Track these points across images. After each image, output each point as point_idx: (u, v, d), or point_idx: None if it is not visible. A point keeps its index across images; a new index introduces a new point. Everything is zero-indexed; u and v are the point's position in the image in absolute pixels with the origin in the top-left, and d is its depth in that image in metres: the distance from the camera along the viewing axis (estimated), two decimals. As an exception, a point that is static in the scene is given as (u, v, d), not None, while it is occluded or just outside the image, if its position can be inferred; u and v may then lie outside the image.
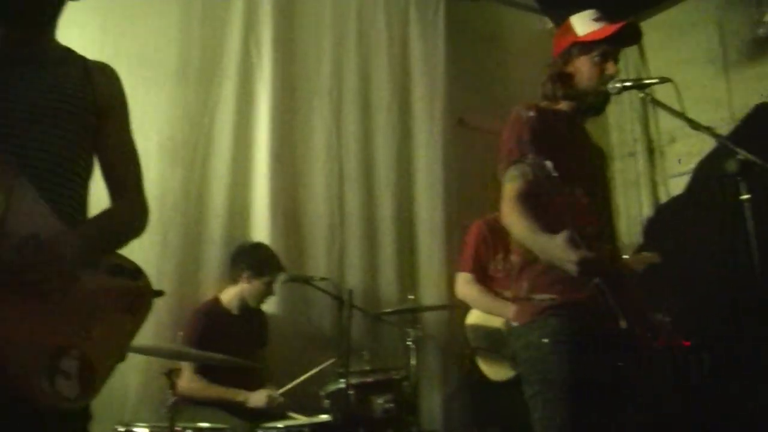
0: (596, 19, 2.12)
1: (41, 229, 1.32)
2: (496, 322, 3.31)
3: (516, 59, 4.75)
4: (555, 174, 1.73)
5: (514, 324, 2.06)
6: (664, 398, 3.50)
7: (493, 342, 3.33)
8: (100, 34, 3.45)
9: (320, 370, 3.27)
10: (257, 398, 3.09)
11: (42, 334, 1.30)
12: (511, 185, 1.94)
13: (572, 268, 1.69)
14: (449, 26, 4.56)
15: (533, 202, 1.89)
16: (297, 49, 4.08)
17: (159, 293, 1.57)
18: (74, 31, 3.01)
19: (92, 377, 1.34)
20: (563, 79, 2.12)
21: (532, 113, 2.00)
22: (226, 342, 3.07)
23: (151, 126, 3.45)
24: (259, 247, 3.48)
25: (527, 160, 1.84)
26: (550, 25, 4.89)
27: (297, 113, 3.98)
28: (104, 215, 1.56)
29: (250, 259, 3.37)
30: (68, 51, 1.59)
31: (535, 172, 1.80)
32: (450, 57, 4.49)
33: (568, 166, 1.87)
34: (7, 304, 1.27)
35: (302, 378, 3.24)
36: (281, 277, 3.40)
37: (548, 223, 1.80)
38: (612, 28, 2.06)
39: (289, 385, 3.21)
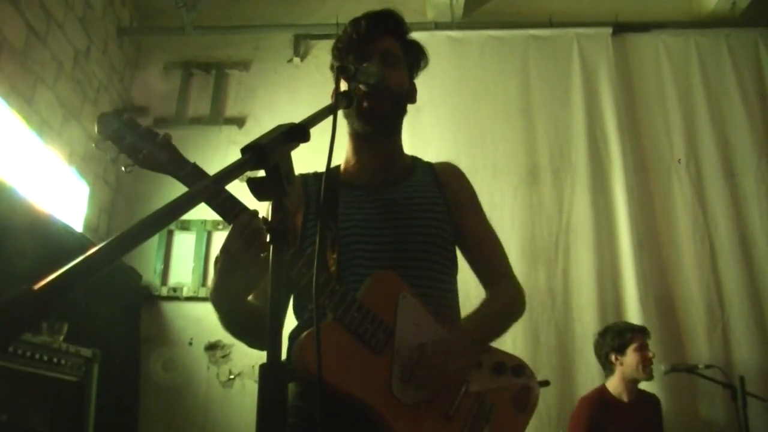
0: None
1: (427, 338, 1.37)
2: None
3: None
4: None
5: None
6: None
7: None
8: (454, 147, 3.80)
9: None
10: None
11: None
12: None
13: None
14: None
15: None
16: (643, 128, 3.98)
17: (545, 383, 1.56)
18: (432, 150, 3.42)
19: None
20: None
21: None
22: (618, 430, 3.00)
23: (511, 229, 3.61)
24: (607, 330, 3.33)
25: None
26: None
27: (655, 193, 3.84)
28: (484, 304, 1.57)
29: (607, 344, 3.26)
30: (415, 159, 1.71)
31: None
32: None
33: None
34: (419, 422, 1.31)
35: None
36: (663, 367, 3.21)
37: None
38: None
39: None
